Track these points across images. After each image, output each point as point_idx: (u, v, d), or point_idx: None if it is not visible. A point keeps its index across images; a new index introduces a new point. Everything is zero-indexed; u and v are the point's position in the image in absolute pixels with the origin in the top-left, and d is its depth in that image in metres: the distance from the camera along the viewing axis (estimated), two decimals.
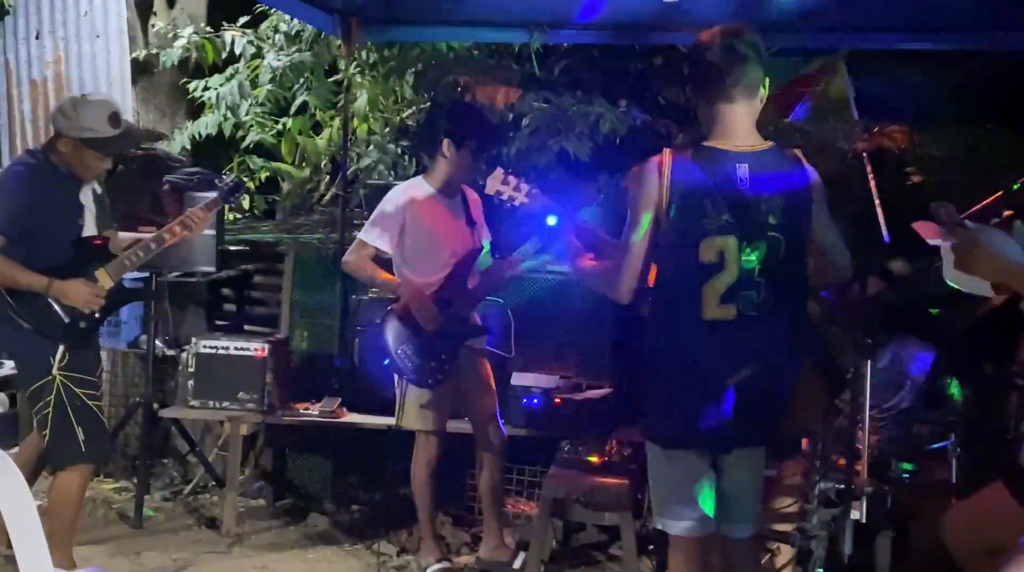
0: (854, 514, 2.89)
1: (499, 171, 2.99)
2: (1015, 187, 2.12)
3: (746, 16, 4.74)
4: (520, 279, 4.50)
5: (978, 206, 2.10)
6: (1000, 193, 2.12)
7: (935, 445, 3.45)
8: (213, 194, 3.85)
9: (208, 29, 6.13)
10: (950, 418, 3.46)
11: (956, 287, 2.58)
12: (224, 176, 4.03)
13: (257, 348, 4.46)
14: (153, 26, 6.38)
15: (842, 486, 2.90)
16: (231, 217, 6.07)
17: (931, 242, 2.10)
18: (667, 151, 2.53)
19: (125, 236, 3.68)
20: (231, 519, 4.42)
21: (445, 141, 3.80)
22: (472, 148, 3.80)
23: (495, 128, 4.37)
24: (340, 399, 4.52)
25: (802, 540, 3.15)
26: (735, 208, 2.46)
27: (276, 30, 6.06)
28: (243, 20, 6.10)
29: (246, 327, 5.18)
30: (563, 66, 6.18)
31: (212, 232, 4.55)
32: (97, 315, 3.41)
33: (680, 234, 2.47)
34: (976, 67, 5.29)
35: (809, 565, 3.17)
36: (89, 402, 3.38)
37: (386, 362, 3.79)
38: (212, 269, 4.86)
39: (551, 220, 3.92)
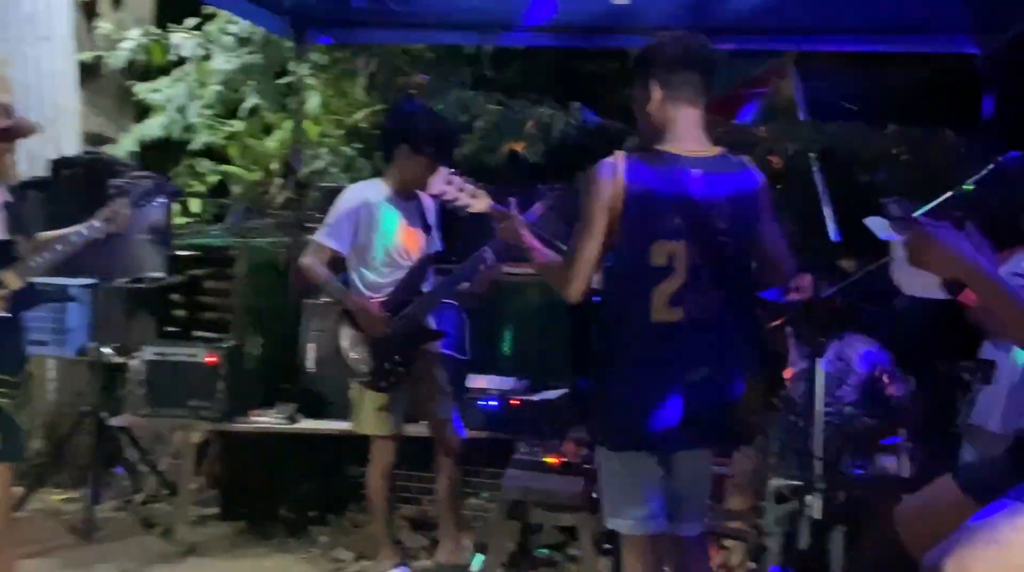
0: (809, 510, 2.92)
1: (443, 171, 2.91)
2: (966, 187, 2.15)
3: (696, 19, 4.80)
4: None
5: (928, 206, 2.13)
6: (951, 193, 2.16)
7: (886, 440, 3.51)
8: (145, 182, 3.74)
9: (155, 31, 6.04)
10: (898, 413, 3.52)
11: (903, 288, 2.63)
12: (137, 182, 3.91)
13: (208, 355, 4.41)
14: (98, 27, 6.27)
15: (796, 482, 2.94)
16: (180, 221, 5.98)
17: (882, 237, 2.13)
18: (620, 154, 2.54)
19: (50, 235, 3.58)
20: (184, 528, 4.36)
21: (401, 145, 3.79)
22: (429, 153, 3.78)
23: (453, 132, 4.35)
24: (294, 405, 4.48)
25: (757, 537, 3.19)
26: (686, 212, 2.49)
27: (225, 32, 5.99)
28: (191, 22, 6.02)
29: (197, 333, 5.11)
30: (515, 68, 6.20)
31: (160, 237, 4.48)
32: (9, 315, 3.31)
33: (632, 237, 2.49)
34: (922, 68, 5.40)
35: (764, 561, 3.21)
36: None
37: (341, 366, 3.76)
38: (161, 275, 4.79)
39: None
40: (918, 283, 2.11)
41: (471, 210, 2.86)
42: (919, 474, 3.20)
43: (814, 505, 2.92)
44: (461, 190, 2.88)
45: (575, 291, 2.54)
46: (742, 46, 4.92)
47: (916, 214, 2.05)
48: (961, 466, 2.51)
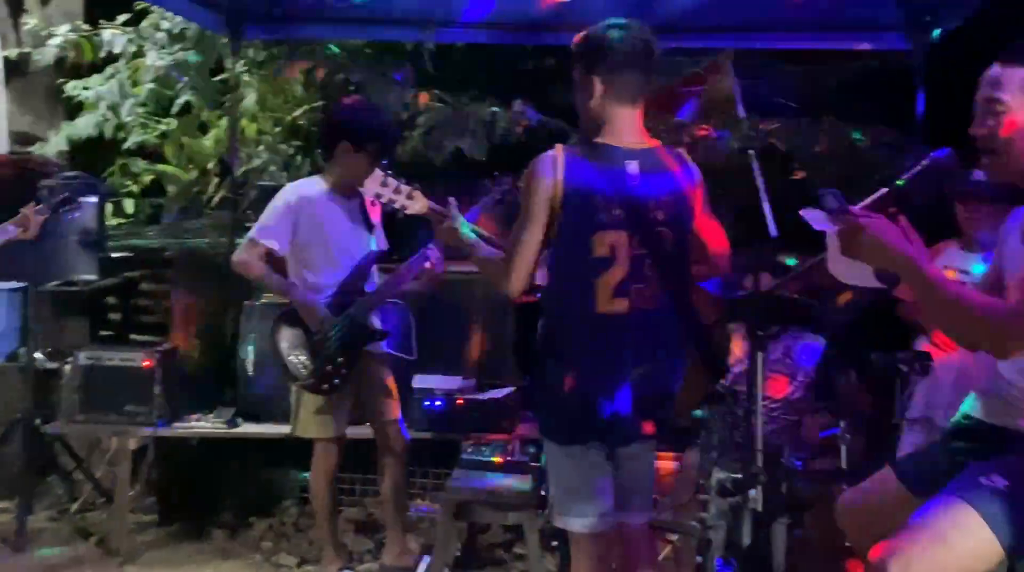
0: (751, 503, 2.95)
1: (377, 173, 2.83)
2: (899, 183, 2.19)
3: (634, 16, 4.81)
4: None
5: (864, 203, 2.17)
6: (885, 190, 2.20)
7: (825, 433, 3.57)
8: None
9: (85, 27, 5.89)
10: (839, 406, 3.58)
11: (838, 278, 2.68)
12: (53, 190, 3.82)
13: (144, 358, 4.31)
14: (25, 23, 6.08)
15: (738, 476, 2.97)
16: (114, 222, 5.85)
17: (817, 228, 2.16)
18: (559, 147, 2.55)
19: None
20: (122, 537, 4.26)
21: (342, 143, 3.73)
22: (370, 150, 3.73)
23: (393, 129, 4.30)
24: (234, 409, 4.40)
25: (701, 530, 3.21)
26: (626, 203, 2.50)
27: (158, 28, 5.86)
28: (123, 18, 5.88)
29: (133, 337, 5.01)
30: (457, 65, 6.17)
31: (92, 239, 4.38)
32: None
33: (573, 229, 2.49)
34: (857, 65, 5.50)
35: (708, 554, 3.23)
36: None
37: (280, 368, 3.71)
38: (94, 277, 4.68)
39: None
40: (852, 273, 2.15)
41: (407, 212, 2.81)
42: (859, 466, 3.25)
43: (756, 498, 2.95)
44: (397, 191, 2.81)
45: (516, 287, 2.53)
46: (680, 44, 4.95)
47: (851, 206, 2.09)
48: (900, 458, 2.56)
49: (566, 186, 2.48)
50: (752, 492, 2.85)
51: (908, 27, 4.67)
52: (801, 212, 2.26)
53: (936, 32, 4.60)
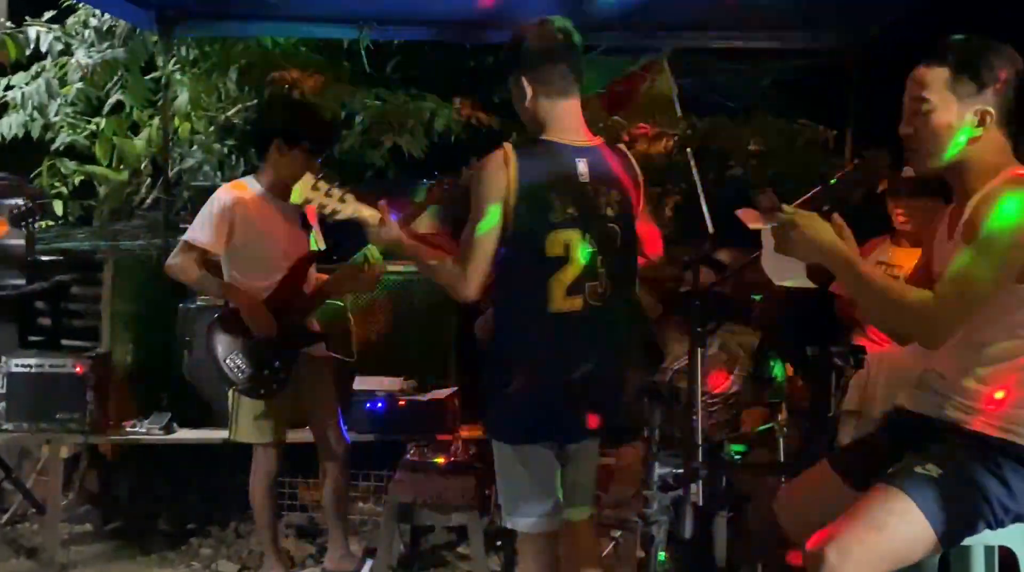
0: (692, 497, 2.98)
1: (308, 177, 2.69)
2: (831, 182, 2.24)
3: (570, 15, 4.82)
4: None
5: (799, 201, 2.21)
6: (819, 188, 2.24)
7: (762, 427, 3.61)
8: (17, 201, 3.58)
9: (9, 24, 5.71)
10: (775, 400, 3.63)
11: (772, 276, 2.72)
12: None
13: (76, 364, 4.21)
14: None
15: (679, 470, 2.99)
16: (43, 224, 5.68)
17: (752, 227, 2.20)
18: (508, 145, 2.54)
19: None
20: (55, 548, 4.15)
21: (276, 141, 3.68)
22: (305, 148, 3.68)
23: (329, 127, 4.25)
24: (170, 414, 4.32)
25: (644, 526, 3.23)
26: (578, 201, 2.51)
27: (86, 25, 5.71)
28: (48, 15, 5.71)
29: (64, 342, 4.88)
30: (395, 63, 6.13)
31: (20, 242, 4.25)
32: None
33: (526, 228, 2.49)
34: (791, 64, 5.59)
35: (651, 549, 3.25)
36: None
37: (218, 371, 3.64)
38: (22, 281, 4.56)
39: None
40: (786, 271, 2.19)
41: (338, 217, 2.71)
42: (797, 459, 3.31)
43: (697, 492, 2.98)
44: (328, 195, 2.72)
45: (474, 289, 2.51)
46: (617, 42, 4.98)
47: (785, 205, 2.12)
48: (835, 451, 2.61)
49: (519, 185, 2.47)
50: (693, 486, 2.88)
51: (841, 26, 4.76)
52: (736, 212, 2.29)
53: (869, 31, 4.70)
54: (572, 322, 2.50)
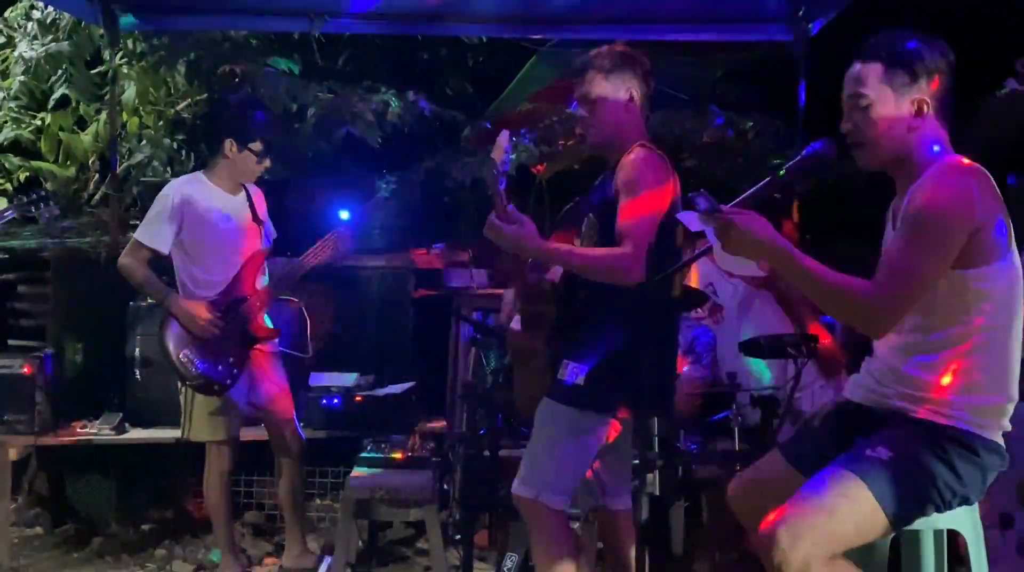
0: (648, 487, 3.00)
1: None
2: (780, 174, 2.26)
3: (522, 8, 4.84)
4: (313, 275, 4.37)
5: (747, 192, 2.23)
6: (768, 179, 2.26)
7: (717, 416, 3.65)
8: None
9: None
10: (733, 389, 3.67)
11: (727, 270, 2.75)
12: None
13: (24, 364, 4.13)
14: None
15: (635, 461, 3.01)
16: None
17: (694, 230, 2.21)
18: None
19: None
20: (4, 552, 4.07)
21: (228, 141, 3.64)
22: (257, 147, 3.65)
23: (280, 124, 4.21)
24: (121, 414, 4.25)
25: None
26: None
27: (28, 17, 5.57)
28: None
29: (11, 342, 4.79)
30: (347, 56, 6.07)
31: None
32: None
33: (671, 226, 2.69)
34: (742, 56, 5.63)
35: None
36: None
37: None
38: None
39: (344, 214, 3.85)
40: (738, 262, 2.20)
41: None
42: (751, 449, 3.35)
43: (653, 482, 3.01)
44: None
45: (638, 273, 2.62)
46: (568, 36, 4.99)
47: (725, 205, 2.13)
48: (787, 439, 2.64)
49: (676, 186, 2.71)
50: (649, 476, 2.91)
51: (789, 19, 4.81)
52: (677, 215, 2.31)
53: (815, 24, 4.75)
54: (675, 312, 2.87)
